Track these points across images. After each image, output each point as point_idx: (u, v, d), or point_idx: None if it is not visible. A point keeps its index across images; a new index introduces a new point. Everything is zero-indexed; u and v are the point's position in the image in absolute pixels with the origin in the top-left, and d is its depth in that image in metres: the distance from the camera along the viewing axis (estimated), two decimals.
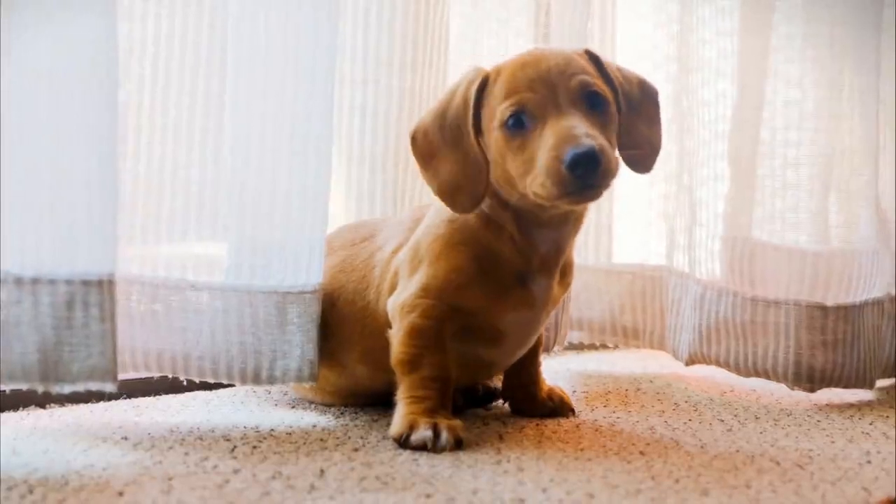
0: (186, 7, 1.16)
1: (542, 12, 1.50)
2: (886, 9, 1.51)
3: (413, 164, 1.41)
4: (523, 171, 1.04)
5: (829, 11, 1.44)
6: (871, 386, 1.45)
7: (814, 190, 1.46)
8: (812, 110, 1.45)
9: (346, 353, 1.20)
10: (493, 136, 1.07)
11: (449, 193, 1.10)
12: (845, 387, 1.42)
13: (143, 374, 1.22)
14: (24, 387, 0.99)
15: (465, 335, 1.13)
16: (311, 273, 1.17)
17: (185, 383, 1.27)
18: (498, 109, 1.06)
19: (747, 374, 1.44)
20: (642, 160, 1.15)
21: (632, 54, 1.62)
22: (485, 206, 1.12)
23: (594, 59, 1.12)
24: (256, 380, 1.16)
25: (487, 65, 1.12)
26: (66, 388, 0.99)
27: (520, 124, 1.05)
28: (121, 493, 0.87)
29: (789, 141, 1.46)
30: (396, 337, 1.12)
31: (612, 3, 1.59)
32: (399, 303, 1.12)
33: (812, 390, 1.42)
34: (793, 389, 1.43)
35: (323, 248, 1.18)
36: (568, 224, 1.13)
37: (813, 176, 1.46)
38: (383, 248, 1.19)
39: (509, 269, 1.12)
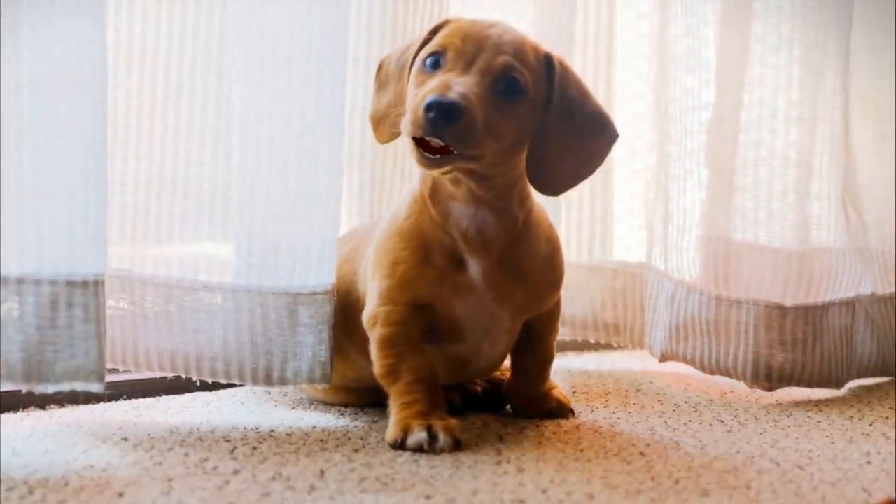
0: (198, 5, 1.16)
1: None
2: (886, 8, 1.51)
3: (392, 164, 1.41)
4: (409, 107, 1.05)
5: (808, 14, 1.44)
6: (837, 386, 1.44)
7: (787, 191, 1.45)
8: (788, 113, 1.45)
9: (348, 343, 1.20)
10: (414, 69, 1.09)
11: (377, 120, 1.15)
12: (808, 386, 1.42)
13: (156, 374, 1.22)
14: (7, 386, 0.99)
15: (430, 333, 1.13)
16: (321, 273, 1.17)
17: (186, 383, 1.27)
18: (426, 47, 1.09)
19: (711, 372, 1.45)
20: (546, 179, 1.11)
21: (632, 53, 1.62)
22: (417, 181, 1.13)
23: (548, 63, 1.10)
24: (268, 381, 1.17)
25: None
26: (50, 388, 0.99)
27: (435, 65, 1.07)
28: (121, 494, 0.88)
29: (762, 141, 1.46)
30: (372, 351, 1.12)
31: (609, 3, 1.58)
32: (366, 316, 1.13)
33: (770, 389, 1.42)
34: (751, 388, 1.43)
35: (334, 248, 1.18)
36: (480, 204, 1.10)
37: (788, 177, 1.45)
38: (373, 242, 1.20)
39: (440, 249, 1.11)
